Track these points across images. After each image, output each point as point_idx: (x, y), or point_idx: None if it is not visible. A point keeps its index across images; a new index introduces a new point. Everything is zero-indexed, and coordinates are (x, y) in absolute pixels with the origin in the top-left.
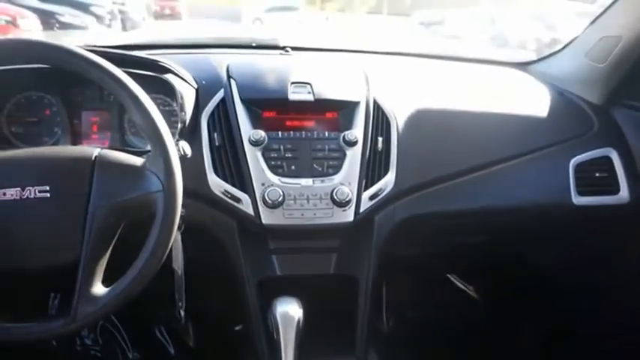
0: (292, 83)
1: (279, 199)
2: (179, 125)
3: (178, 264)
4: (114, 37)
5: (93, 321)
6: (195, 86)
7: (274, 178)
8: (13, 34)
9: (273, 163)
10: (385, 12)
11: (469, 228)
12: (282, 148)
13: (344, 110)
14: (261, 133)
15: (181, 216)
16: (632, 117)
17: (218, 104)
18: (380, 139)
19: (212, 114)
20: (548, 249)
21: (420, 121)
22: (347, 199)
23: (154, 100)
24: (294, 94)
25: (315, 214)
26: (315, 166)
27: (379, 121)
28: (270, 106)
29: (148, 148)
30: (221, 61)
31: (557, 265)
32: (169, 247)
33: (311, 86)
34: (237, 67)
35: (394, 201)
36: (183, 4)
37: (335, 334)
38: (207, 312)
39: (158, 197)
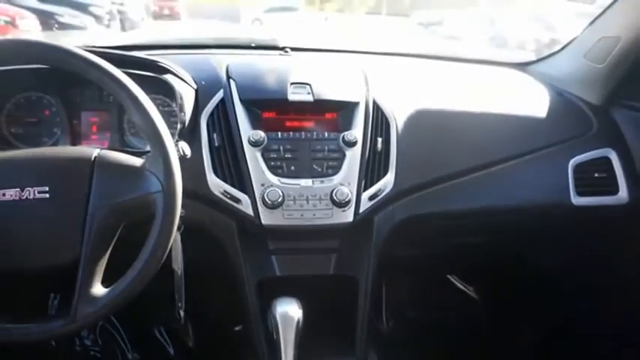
0: (292, 84)
1: (279, 200)
2: (178, 126)
3: (178, 264)
4: (113, 37)
5: (92, 321)
6: (195, 87)
7: (274, 179)
8: (12, 35)
9: (272, 163)
10: (384, 12)
11: (468, 228)
12: (281, 148)
13: (343, 111)
14: (260, 134)
15: (181, 216)
16: (631, 117)
17: (217, 105)
18: (379, 139)
19: (211, 114)
20: (548, 249)
21: (420, 121)
22: (346, 200)
23: (154, 100)
24: (294, 95)
25: (314, 215)
26: (314, 166)
27: (378, 121)
28: (270, 106)
29: (148, 148)
30: (220, 61)
31: (556, 266)
32: (169, 247)
33: (310, 87)
34: (236, 68)
35: (394, 201)
36: (182, 5)
37: (335, 334)
38: (207, 312)
39: (158, 198)
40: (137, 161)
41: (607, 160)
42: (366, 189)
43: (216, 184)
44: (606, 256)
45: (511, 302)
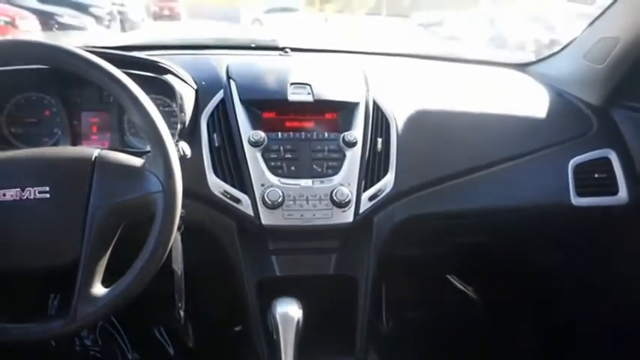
0: (292, 84)
1: (279, 200)
2: (179, 126)
3: (178, 264)
4: (113, 37)
5: (92, 321)
6: (195, 87)
7: (274, 179)
8: (12, 35)
9: (272, 163)
10: (384, 13)
11: (468, 228)
12: (281, 148)
13: (343, 111)
14: (260, 134)
15: (181, 216)
16: (631, 118)
17: (218, 105)
18: (379, 139)
19: (212, 115)
20: (548, 249)
21: (420, 121)
22: (346, 200)
23: (154, 100)
24: (294, 95)
25: (314, 215)
26: (314, 166)
27: (378, 121)
28: (270, 106)
29: (148, 148)
30: (221, 61)
31: (556, 266)
32: (169, 247)
33: (310, 87)
34: (236, 68)
35: (393, 201)
36: (182, 5)
37: (334, 334)
38: (207, 312)
39: (158, 198)
40: (137, 161)
41: (607, 161)
42: (366, 189)
43: (217, 184)
44: (606, 256)
45: (511, 302)
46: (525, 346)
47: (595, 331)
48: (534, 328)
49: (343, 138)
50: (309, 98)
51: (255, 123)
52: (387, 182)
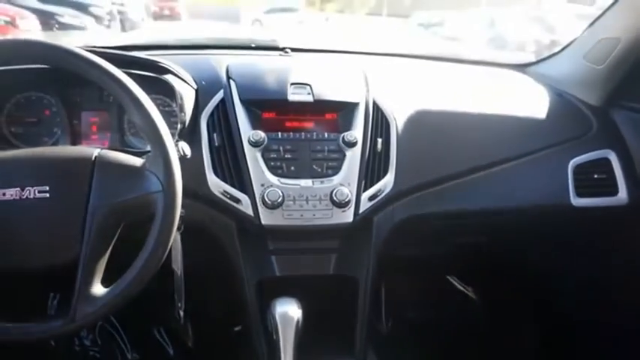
0: (292, 84)
1: (279, 200)
2: (179, 126)
3: (178, 264)
4: (113, 37)
5: (92, 321)
6: (195, 87)
7: (274, 179)
8: (12, 35)
9: (272, 163)
10: (385, 13)
11: (468, 229)
12: (281, 148)
13: (343, 111)
14: (260, 134)
15: (181, 216)
16: (631, 118)
17: (218, 105)
18: (379, 140)
19: (212, 115)
20: (547, 250)
21: (420, 122)
22: (346, 200)
23: (154, 100)
24: (294, 95)
25: (314, 215)
26: (314, 167)
27: (378, 122)
28: (270, 106)
29: (148, 148)
30: (221, 61)
31: (556, 266)
32: (169, 247)
33: (310, 87)
34: (236, 68)
35: (393, 202)
36: (183, 5)
37: (334, 334)
38: (207, 312)
39: (158, 197)
40: (137, 161)
41: (607, 161)
42: (365, 189)
43: (216, 184)
44: (606, 257)
45: (510, 302)
46: (525, 347)
47: (595, 331)
48: (534, 328)
49: (343, 138)
50: (309, 98)
51: (255, 123)
52: (387, 182)
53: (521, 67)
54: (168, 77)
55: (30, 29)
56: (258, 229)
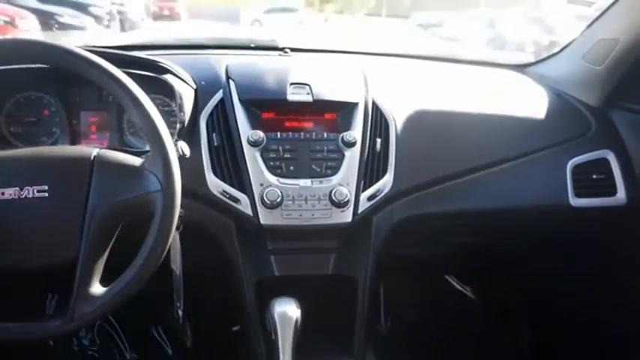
0: (291, 84)
1: (278, 200)
2: (178, 125)
3: (177, 264)
4: (112, 37)
5: (91, 320)
6: (194, 87)
7: (273, 179)
8: (11, 35)
9: (271, 163)
10: (384, 14)
11: (467, 229)
12: (280, 148)
13: (343, 111)
14: (259, 134)
15: (180, 216)
16: (630, 119)
17: (217, 105)
18: (378, 140)
19: (211, 114)
20: (546, 250)
21: (419, 122)
22: (345, 200)
23: (153, 100)
24: (293, 95)
25: (313, 215)
26: (313, 166)
27: (378, 122)
28: (269, 106)
29: (147, 148)
30: (220, 61)
31: (554, 266)
32: (168, 246)
33: (310, 87)
34: (236, 68)
35: (392, 201)
36: (182, 5)
37: (333, 334)
38: (205, 312)
39: (157, 197)
40: (136, 161)
41: (605, 162)
42: (364, 189)
43: (216, 184)
44: (605, 257)
45: (509, 302)
46: (523, 347)
47: (594, 331)
48: (532, 328)
49: (342, 138)
50: (309, 98)
51: (255, 123)
52: (386, 182)
53: (521, 68)
54: (168, 77)
55: (29, 29)
56: (257, 228)
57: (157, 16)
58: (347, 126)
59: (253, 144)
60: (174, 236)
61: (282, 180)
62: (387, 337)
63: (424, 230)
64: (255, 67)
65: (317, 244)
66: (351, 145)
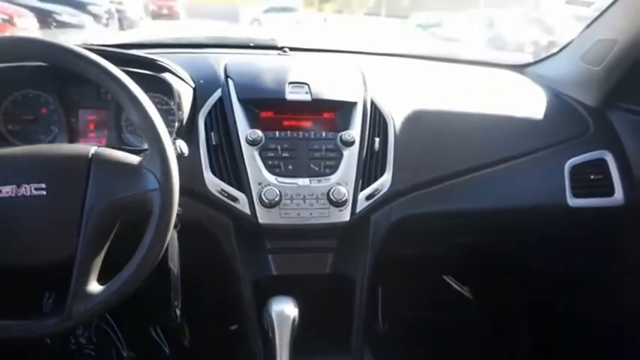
0: (290, 83)
1: (276, 199)
2: (176, 124)
3: (174, 263)
4: (111, 36)
5: (88, 319)
6: (193, 85)
7: (271, 178)
8: (10, 33)
9: (270, 162)
10: (383, 14)
11: (465, 228)
12: (279, 147)
13: (341, 110)
14: (258, 133)
15: (178, 214)
16: (628, 120)
17: (215, 103)
18: (377, 139)
19: (209, 113)
20: (544, 250)
21: (417, 121)
22: (343, 199)
23: (152, 98)
24: (292, 94)
25: (311, 214)
26: (312, 166)
27: (376, 121)
28: (268, 105)
29: (145, 146)
30: (219, 60)
31: (552, 266)
32: (165, 245)
33: (308, 86)
34: (234, 67)
35: (390, 201)
36: (181, 4)
37: (330, 333)
38: (203, 311)
39: (155, 195)
40: (134, 159)
41: (603, 162)
42: (363, 189)
43: (214, 183)
44: (603, 257)
45: (507, 302)
46: (521, 347)
47: (592, 331)
48: (531, 328)
49: (341, 137)
50: (307, 97)
51: (253, 122)
52: (384, 182)
53: (519, 68)
54: (167, 75)
55: (28, 27)
56: (256, 227)
57: (156, 15)
58: (345, 125)
59: (252, 143)
60: (172, 235)
61: (280, 179)
62: (384, 336)
63: (422, 230)
64: (253, 66)
65: (315, 244)
66: (349, 144)
